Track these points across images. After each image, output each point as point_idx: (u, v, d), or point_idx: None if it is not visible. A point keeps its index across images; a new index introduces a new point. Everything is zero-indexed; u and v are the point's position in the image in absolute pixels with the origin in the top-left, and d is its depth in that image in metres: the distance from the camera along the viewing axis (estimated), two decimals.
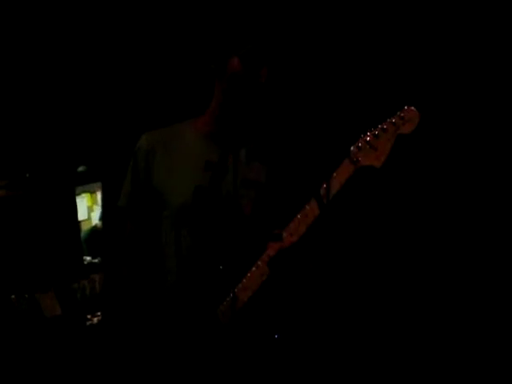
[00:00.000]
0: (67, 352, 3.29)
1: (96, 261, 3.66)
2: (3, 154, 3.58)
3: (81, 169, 3.59)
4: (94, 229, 3.76)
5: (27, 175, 3.52)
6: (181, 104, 3.48)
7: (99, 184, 3.73)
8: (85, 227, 3.75)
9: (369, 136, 2.00)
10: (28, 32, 3.52)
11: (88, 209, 3.79)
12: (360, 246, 3.06)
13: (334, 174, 2.00)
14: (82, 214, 3.73)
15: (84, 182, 3.71)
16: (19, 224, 3.51)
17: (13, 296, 3.26)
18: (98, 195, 3.75)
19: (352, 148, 2.02)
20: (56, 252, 3.54)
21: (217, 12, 3.25)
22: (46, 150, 3.60)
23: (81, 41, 3.57)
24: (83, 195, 3.74)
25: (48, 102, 3.60)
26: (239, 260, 2.10)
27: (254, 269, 2.08)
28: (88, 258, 3.67)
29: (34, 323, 3.28)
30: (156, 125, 2.38)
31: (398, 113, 1.99)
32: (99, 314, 3.45)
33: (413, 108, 1.96)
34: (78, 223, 3.70)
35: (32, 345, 3.25)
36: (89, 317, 3.44)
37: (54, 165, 3.60)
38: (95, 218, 3.79)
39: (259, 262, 2.07)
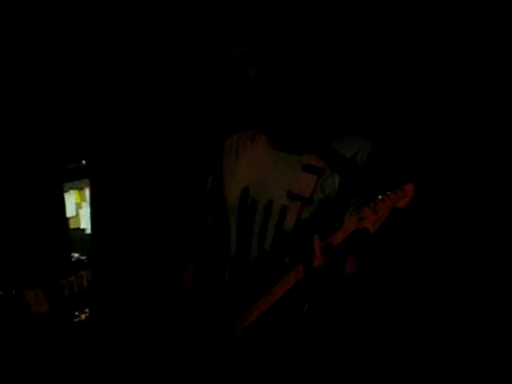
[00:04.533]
0: (55, 349, 3.28)
1: (84, 257, 3.65)
2: None
3: None
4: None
5: (14, 172, 3.51)
6: (170, 105, 3.47)
7: (87, 181, 3.72)
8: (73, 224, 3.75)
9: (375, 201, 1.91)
10: (16, 30, 3.50)
11: (76, 206, 3.78)
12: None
13: (342, 227, 1.95)
14: (70, 211, 3.73)
15: (72, 179, 3.71)
16: (6, 221, 3.50)
17: (0, 292, 3.24)
18: (87, 192, 3.74)
19: (365, 207, 1.92)
20: (44, 249, 3.53)
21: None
22: (33, 146, 3.59)
23: (73, 41, 3.55)
24: (71, 192, 3.73)
25: (35, 98, 3.58)
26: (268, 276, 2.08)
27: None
28: (76, 255, 3.66)
29: (22, 320, 3.27)
30: (145, 122, 2.35)
31: (398, 190, 1.89)
32: (87, 310, 3.45)
33: (411, 185, 1.87)
34: (66, 220, 3.69)
35: (19, 342, 3.24)
36: (76, 313, 3.44)
37: (42, 161, 3.59)
38: (83, 215, 3.78)
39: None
